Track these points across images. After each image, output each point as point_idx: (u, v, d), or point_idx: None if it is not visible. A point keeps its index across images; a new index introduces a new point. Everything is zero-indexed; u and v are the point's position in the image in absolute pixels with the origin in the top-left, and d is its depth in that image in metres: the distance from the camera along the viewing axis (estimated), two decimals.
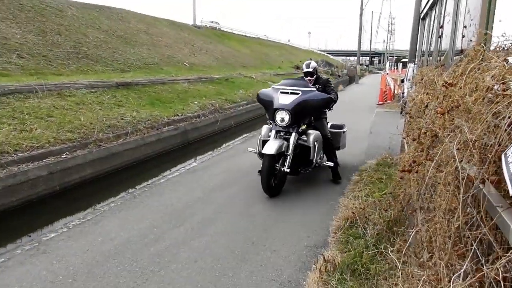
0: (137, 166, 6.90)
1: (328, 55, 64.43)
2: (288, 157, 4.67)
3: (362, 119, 11.24)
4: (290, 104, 4.70)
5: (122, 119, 7.61)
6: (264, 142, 4.84)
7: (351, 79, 36.48)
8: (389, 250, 2.56)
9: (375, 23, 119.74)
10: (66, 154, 5.75)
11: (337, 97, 5.31)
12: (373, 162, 5.90)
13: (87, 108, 7.48)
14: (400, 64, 36.92)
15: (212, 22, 35.29)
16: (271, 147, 4.50)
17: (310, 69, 5.49)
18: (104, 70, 11.78)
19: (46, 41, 11.33)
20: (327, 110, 5.54)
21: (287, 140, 4.76)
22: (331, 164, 5.22)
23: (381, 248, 2.78)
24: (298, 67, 32.85)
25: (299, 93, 4.79)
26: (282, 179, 4.88)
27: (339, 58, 73.87)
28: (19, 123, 5.90)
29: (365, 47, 66.31)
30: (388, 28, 71.84)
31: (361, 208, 3.90)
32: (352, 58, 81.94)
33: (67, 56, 11.28)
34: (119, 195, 5.29)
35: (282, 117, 4.73)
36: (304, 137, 4.93)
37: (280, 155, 4.67)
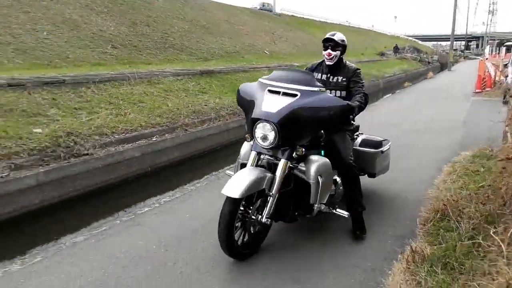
0: (220, 150, 7.18)
1: (416, 40, 60.45)
2: (271, 199, 2.82)
3: (455, 108, 10.42)
4: (277, 113, 2.73)
5: (206, 105, 7.95)
6: (243, 166, 3.05)
7: (442, 66, 33.98)
8: (491, 231, 2.32)
9: (473, 2, 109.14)
10: (156, 137, 6.18)
11: (366, 102, 3.28)
12: (468, 154, 5.37)
13: (174, 95, 7.95)
14: (504, 48, 33.23)
15: (263, 4, 32.74)
16: (238, 186, 2.61)
17: (335, 38, 3.30)
18: (188, 59, 12.41)
19: (137, 32, 12.25)
20: (353, 121, 3.50)
21: (274, 168, 2.89)
22: (345, 214, 3.13)
23: (478, 239, 2.55)
24: (383, 54, 31.38)
25: (296, 95, 2.78)
26: (259, 232, 3.03)
27: (429, 44, 68.94)
28: (115, 108, 6.47)
29: (459, 30, 60.85)
30: (488, 8, 65.01)
31: (453, 201, 3.60)
32: (444, 43, 75.71)
33: (155, 46, 12.09)
34: (204, 177, 5.54)
35: (265, 133, 2.80)
36: (302, 166, 2.96)
37: (260, 193, 2.83)
